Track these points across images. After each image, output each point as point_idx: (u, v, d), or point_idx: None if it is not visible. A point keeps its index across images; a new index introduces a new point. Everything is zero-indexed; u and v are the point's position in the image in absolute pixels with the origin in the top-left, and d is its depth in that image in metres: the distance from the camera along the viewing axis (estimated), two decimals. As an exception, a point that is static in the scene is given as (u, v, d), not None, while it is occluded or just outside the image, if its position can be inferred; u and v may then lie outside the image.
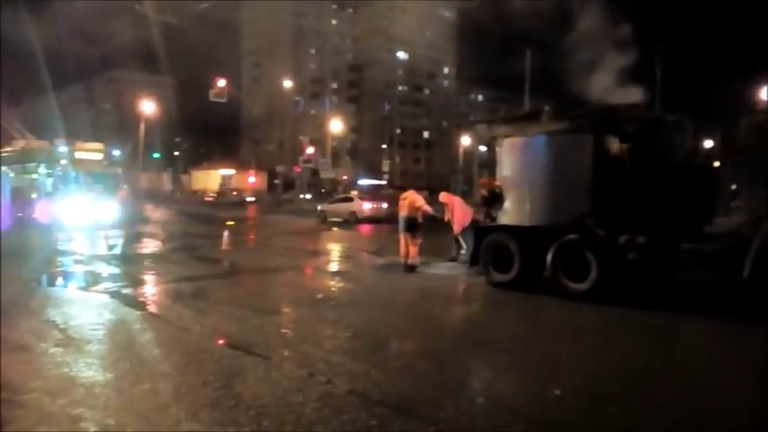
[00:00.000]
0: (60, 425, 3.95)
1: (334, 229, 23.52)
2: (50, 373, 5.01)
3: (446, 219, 12.78)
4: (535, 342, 6.52)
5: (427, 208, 11.88)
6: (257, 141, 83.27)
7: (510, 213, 9.86)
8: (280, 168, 52.74)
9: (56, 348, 5.72)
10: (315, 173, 48.98)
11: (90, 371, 5.08)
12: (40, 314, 7.19)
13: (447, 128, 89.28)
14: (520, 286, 9.25)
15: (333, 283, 10.52)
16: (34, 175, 20.24)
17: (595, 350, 6.24)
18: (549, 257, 8.92)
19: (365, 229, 23.44)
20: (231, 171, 66.47)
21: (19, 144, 21.64)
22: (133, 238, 17.18)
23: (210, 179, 65.88)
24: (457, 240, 12.53)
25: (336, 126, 50.10)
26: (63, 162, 19.61)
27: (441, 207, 12.99)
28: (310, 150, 45.00)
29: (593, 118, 9.20)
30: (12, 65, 35.01)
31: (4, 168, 21.85)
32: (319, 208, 28.37)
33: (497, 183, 10.27)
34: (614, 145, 8.95)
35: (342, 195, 30.74)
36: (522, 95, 33.75)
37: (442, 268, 11.84)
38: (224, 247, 13.28)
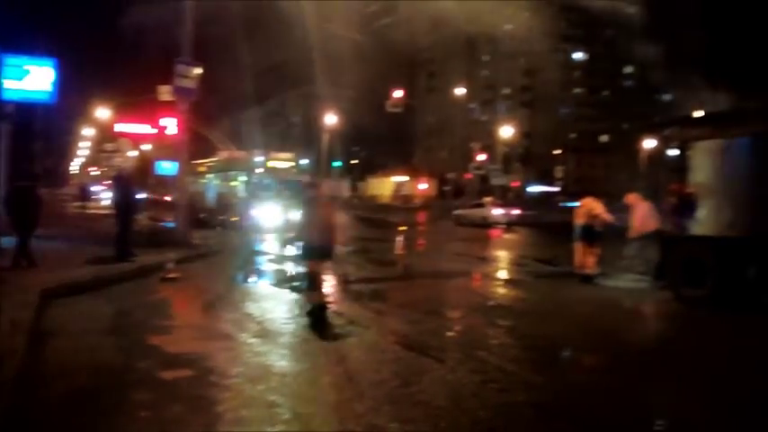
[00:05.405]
0: (259, 409, 4.36)
1: (506, 235, 23.54)
2: (250, 361, 5.56)
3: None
4: (737, 370, 5.77)
5: (606, 216, 11.20)
6: (429, 149, 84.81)
7: (706, 223, 9.00)
8: (450, 175, 53.17)
9: (254, 339, 6.34)
10: (485, 179, 48.67)
11: (283, 361, 5.56)
12: (241, 307, 8.00)
13: (629, 130, 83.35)
14: (715, 303, 8.38)
15: (504, 290, 10.37)
16: (234, 183, 22.65)
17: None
18: (751, 272, 7.97)
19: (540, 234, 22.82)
20: (404, 178, 68.69)
21: (223, 155, 24.38)
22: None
23: (384, 186, 68.91)
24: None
25: (507, 132, 49.19)
26: (259, 170, 21.69)
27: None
28: (481, 157, 44.81)
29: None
30: (223, 84, 39.21)
31: (209, 176, 24.86)
32: (455, 212, 31.58)
33: (689, 189, 9.41)
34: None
35: (476, 201, 32.60)
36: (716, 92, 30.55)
37: (622, 280, 11.10)
38: (397, 251, 13.77)
